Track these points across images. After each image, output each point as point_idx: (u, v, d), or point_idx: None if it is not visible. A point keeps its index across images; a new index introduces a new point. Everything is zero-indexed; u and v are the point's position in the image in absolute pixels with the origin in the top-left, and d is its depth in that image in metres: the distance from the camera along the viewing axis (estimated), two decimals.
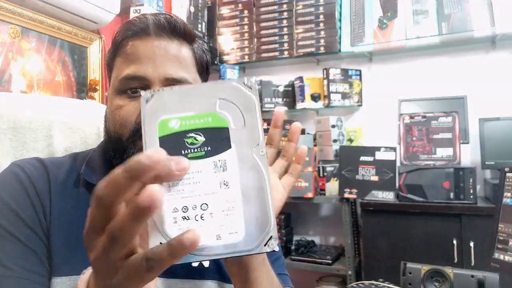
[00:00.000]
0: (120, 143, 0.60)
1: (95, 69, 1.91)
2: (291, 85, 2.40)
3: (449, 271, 1.00)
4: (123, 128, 0.60)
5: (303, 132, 2.38)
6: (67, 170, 0.65)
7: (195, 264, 0.63)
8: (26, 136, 0.74)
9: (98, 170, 0.64)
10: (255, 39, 2.47)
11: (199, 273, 0.63)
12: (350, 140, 2.29)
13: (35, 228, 0.57)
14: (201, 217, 0.32)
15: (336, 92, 2.28)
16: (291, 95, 2.40)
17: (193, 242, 0.29)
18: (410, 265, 1.06)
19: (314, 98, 2.31)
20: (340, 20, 2.33)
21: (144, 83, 0.60)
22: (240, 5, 2.52)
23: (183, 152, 0.33)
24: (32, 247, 0.56)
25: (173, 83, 0.60)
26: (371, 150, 1.93)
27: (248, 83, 0.35)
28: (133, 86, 0.60)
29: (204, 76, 0.68)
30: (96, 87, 1.88)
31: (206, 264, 0.65)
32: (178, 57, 0.62)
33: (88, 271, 0.39)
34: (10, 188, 0.59)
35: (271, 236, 0.32)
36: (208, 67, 0.69)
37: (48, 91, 1.68)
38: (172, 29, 0.62)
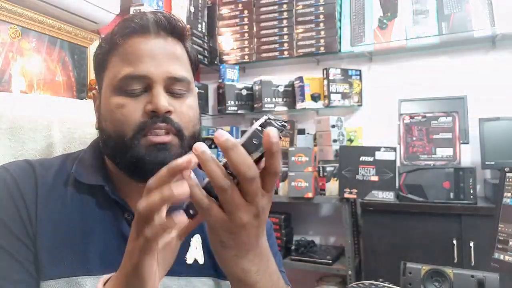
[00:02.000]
0: (122, 142, 0.59)
1: None
2: (291, 85, 2.40)
3: (449, 271, 1.00)
4: (126, 126, 0.59)
5: (303, 132, 2.38)
6: (56, 170, 0.64)
7: (189, 262, 0.63)
8: (25, 136, 0.74)
9: (89, 169, 0.64)
10: (255, 39, 2.47)
11: (195, 270, 0.63)
12: (350, 140, 2.29)
13: (21, 236, 0.57)
14: None
15: (336, 92, 2.28)
16: (291, 95, 2.40)
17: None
18: (410, 265, 1.06)
19: (314, 98, 2.31)
20: (340, 20, 2.33)
21: (146, 82, 0.59)
22: (240, 5, 2.52)
23: None
24: (19, 256, 0.56)
25: (174, 82, 0.60)
26: (371, 150, 1.92)
27: None
28: (134, 85, 0.59)
29: (194, 73, 0.68)
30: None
31: (201, 261, 0.65)
32: (175, 55, 0.62)
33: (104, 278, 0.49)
34: None
35: None
36: (197, 64, 0.69)
37: (48, 91, 1.68)
38: (172, 28, 0.62)
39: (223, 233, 0.43)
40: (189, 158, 0.41)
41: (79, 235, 0.59)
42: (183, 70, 0.62)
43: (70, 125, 0.81)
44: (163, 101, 0.58)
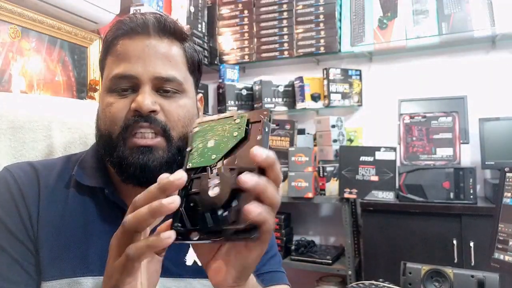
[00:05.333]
0: (111, 140, 0.61)
1: (95, 69, 1.91)
2: (291, 85, 2.40)
3: (449, 271, 1.00)
4: (113, 125, 0.60)
5: (303, 132, 2.38)
6: (59, 171, 0.65)
7: (189, 263, 0.63)
8: (25, 136, 0.74)
9: (90, 171, 0.64)
10: (255, 39, 2.47)
11: (194, 271, 0.63)
12: (350, 140, 2.29)
13: (21, 238, 0.57)
14: None
15: (336, 92, 2.28)
16: (291, 95, 2.40)
17: (168, 239, 0.38)
18: (410, 265, 1.06)
19: (314, 98, 2.31)
20: (340, 20, 2.32)
21: (134, 82, 0.60)
22: (240, 5, 2.52)
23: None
24: (19, 257, 0.56)
25: (162, 81, 0.61)
26: (371, 150, 1.92)
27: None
28: (123, 85, 0.60)
29: (195, 75, 0.68)
30: (96, 87, 1.88)
31: (200, 262, 0.65)
32: (168, 55, 0.62)
33: None
34: None
35: None
36: (200, 66, 0.69)
37: (48, 91, 1.68)
38: (162, 28, 0.63)
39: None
40: (181, 174, 0.39)
41: (80, 236, 0.59)
42: (174, 70, 0.62)
43: (70, 125, 0.81)
44: (147, 100, 0.58)
